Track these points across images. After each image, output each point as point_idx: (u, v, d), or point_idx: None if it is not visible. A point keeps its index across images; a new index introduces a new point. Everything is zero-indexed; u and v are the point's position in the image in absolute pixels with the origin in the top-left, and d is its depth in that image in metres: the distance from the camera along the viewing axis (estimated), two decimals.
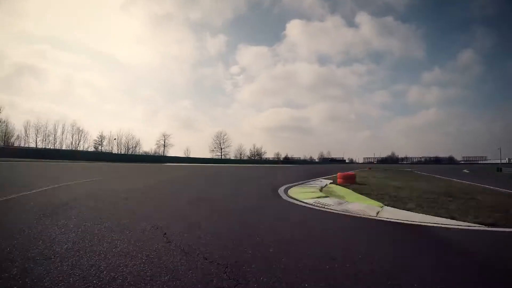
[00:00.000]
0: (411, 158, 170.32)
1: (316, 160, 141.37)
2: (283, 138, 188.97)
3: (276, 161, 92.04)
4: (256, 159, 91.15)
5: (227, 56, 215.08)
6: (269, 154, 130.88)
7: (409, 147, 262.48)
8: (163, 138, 76.47)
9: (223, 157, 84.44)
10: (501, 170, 40.19)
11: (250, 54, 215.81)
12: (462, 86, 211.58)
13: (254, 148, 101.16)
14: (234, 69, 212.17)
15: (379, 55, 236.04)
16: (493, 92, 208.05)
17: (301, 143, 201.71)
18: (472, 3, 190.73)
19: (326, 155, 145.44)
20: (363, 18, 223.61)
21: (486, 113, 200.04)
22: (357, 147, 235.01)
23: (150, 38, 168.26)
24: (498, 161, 74.37)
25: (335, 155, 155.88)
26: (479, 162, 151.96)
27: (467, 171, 36.52)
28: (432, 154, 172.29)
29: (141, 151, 75.16)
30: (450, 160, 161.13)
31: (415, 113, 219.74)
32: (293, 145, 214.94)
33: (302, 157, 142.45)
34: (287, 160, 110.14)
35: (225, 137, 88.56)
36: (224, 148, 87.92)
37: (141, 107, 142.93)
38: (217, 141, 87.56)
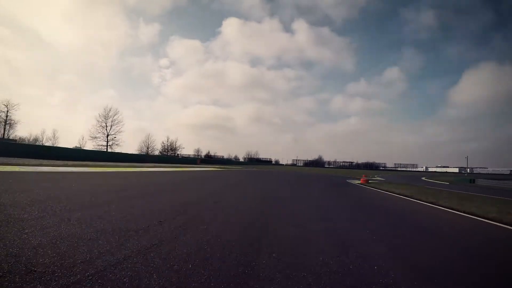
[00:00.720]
0: (337, 162, 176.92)
1: (242, 160, 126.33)
2: (207, 136, 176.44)
3: (193, 159, 69.91)
4: (170, 156, 66.63)
5: (158, 47, 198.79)
6: (189, 151, 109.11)
7: (332, 152, 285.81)
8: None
9: (110, 149, 48.19)
10: (474, 181, 31.22)
11: (182, 48, 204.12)
12: (384, 100, 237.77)
13: (167, 141, 75.34)
14: (164, 61, 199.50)
15: (311, 63, 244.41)
16: (411, 108, 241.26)
17: (225, 142, 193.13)
18: (406, 26, 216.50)
19: (253, 155, 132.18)
20: (300, 25, 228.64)
21: (403, 126, 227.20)
22: (282, 149, 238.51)
23: (79, 18, 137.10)
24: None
25: (260, 155, 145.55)
26: (411, 170, 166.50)
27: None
28: (349, 159, 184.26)
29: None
30: (382, 167, 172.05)
31: (337, 121, 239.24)
32: (216, 144, 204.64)
33: (226, 156, 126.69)
34: (209, 159, 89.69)
35: (115, 117, 49.53)
36: (113, 134, 49.09)
37: (60, 94, 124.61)
38: (103, 124, 48.54)
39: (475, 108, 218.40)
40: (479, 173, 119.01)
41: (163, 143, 74.91)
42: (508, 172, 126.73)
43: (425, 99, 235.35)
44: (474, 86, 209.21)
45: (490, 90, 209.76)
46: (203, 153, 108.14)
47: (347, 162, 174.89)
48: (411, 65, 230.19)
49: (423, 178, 43.26)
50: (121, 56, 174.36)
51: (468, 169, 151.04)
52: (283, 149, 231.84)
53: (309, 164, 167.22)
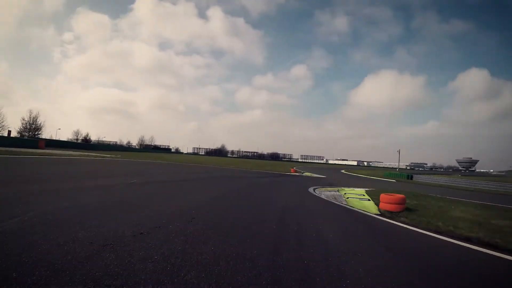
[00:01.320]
0: (241, 152, 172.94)
1: (136, 147, 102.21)
2: (106, 121, 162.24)
3: (31, 141, 45.42)
4: (27, 139, 40.42)
5: (63, 18, 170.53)
6: (67, 134, 78.68)
7: (236, 142, 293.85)
8: None
9: None
10: (411, 178, 26.84)
11: (88, 22, 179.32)
12: (290, 95, 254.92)
13: (29, 117, 51.34)
14: (68, 36, 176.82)
15: (221, 52, 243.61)
16: (315, 105, 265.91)
17: (126, 128, 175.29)
18: (320, 28, 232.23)
19: (148, 142, 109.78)
20: (216, 12, 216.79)
21: (306, 121, 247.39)
22: (183, 137, 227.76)
23: None
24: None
25: (160, 142, 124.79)
26: (317, 161, 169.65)
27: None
28: (254, 149, 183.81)
29: None
30: (287, 158, 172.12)
31: (242, 112, 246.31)
32: (117, 130, 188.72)
33: (118, 142, 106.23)
34: (88, 144, 64.65)
35: None
36: None
37: None
38: None
39: (371, 109, 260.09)
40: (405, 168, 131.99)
41: (23, 119, 50.88)
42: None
43: (328, 97, 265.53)
44: (373, 90, 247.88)
45: (387, 95, 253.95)
46: (83, 136, 79.56)
47: (251, 152, 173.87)
48: (319, 65, 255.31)
49: (343, 171, 42.06)
50: (20, 25, 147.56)
51: (366, 163, 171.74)
52: (185, 137, 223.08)
53: (211, 153, 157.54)
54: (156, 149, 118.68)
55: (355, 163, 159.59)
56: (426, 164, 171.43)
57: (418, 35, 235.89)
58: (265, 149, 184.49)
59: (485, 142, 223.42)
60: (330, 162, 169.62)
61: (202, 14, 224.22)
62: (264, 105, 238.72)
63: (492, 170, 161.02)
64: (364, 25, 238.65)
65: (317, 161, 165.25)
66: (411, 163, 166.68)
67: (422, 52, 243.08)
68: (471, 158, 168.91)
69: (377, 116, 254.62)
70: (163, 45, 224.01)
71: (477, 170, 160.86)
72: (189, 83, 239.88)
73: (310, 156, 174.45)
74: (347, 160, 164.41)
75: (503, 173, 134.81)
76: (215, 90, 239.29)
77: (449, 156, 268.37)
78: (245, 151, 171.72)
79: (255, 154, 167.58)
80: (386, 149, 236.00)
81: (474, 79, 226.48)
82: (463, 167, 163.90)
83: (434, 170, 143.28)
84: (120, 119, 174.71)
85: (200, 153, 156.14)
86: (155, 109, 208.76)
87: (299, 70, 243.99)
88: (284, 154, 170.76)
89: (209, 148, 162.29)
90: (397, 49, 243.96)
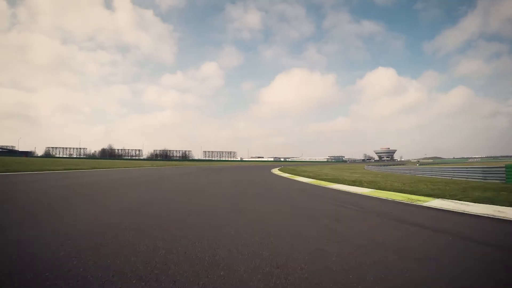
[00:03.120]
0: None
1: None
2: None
3: None
4: None
5: None
6: None
7: (146, 144, 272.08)
8: None
9: None
10: None
11: None
12: (200, 94, 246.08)
13: None
14: None
15: (128, 47, 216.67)
16: (226, 104, 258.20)
17: (25, 135, 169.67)
18: (231, 24, 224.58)
19: None
20: (123, 3, 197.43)
21: (217, 120, 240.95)
22: (91, 142, 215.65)
23: None
24: None
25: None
26: (230, 159, 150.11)
27: None
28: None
29: None
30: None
31: (151, 113, 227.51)
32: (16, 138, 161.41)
33: None
34: None
35: None
36: None
37: None
38: None
39: (283, 107, 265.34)
40: None
41: None
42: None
43: (240, 96, 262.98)
44: (284, 89, 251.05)
45: (298, 93, 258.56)
46: None
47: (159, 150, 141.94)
48: (230, 63, 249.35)
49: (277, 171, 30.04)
50: None
51: (282, 158, 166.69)
52: (92, 142, 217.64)
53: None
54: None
55: (271, 159, 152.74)
56: (344, 156, 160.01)
57: (329, 34, 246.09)
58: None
59: (394, 134, 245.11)
60: (245, 159, 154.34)
61: (108, 5, 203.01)
62: (173, 105, 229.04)
63: (413, 159, 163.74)
64: (277, 22, 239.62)
65: (230, 159, 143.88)
66: (329, 156, 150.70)
67: (332, 51, 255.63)
68: (388, 148, 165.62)
69: (289, 113, 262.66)
70: (66, 38, 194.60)
71: (398, 160, 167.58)
72: (93, 82, 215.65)
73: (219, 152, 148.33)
74: (263, 157, 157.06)
75: (429, 160, 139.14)
76: (122, 90, 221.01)
77: (359, 148, 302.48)
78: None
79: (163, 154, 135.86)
80: (299, 145, 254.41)
81: (381, 77, 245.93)
82: (381, 157, 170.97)
83: (367, 160, 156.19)
84: (18, 125, 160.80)
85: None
86: (57, 111, 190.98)
87: (209, 68, 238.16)
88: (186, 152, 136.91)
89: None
90: (308, 48, 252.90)
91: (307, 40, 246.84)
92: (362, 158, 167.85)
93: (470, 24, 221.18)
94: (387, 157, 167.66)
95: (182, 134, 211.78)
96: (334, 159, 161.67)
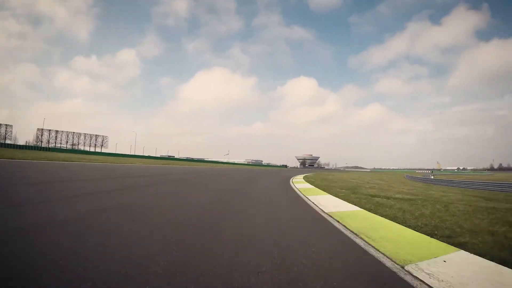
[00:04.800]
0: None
1: None
2: None
3: None
4: None
5: None
6: None
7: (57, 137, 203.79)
8: None
9: None
10: None
11: None
12: (114, 84, 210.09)
13: None
14: None
15: (37, 17, 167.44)
16: (142, 97, 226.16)
17: None
18: (157, 7, 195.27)
19: None
20: None
21: (131, 115, 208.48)
22: None
23: None
24: None
25: None
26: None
27: None
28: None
29: None
30: None
31: (61, 100, 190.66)
32: None
33: None
34: None
35: None
36: None
37: None
38: None
39: (202, 106, 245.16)
40: None
41: None
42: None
43: (158, 90, 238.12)
44: (204, 87, 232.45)
45: (218, 93, 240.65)
46: None
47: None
48: (150, 51, 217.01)
49: None
50: None
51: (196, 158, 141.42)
52: None
53: None
54: None
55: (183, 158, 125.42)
56: (262, 161, 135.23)
57: (257, 35, 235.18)
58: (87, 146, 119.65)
59: (313, 142, 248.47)
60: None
61: None
62: (85, 93, 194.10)
63: (341, 166, 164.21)
64: (205, 12, 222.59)
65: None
66: (247, 159, 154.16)
67: (258, 53, 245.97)
68: (311, 154, 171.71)
69: (208, 113, 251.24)
70: None
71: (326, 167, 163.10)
72: None
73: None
74: (174, 156, 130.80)
75: (367, 170, 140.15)
76: (30, 70, 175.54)
77: (279, 153, 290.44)
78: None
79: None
80: (216, 146, 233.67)
81: (302, 86, 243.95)
82: (304, 164, 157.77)
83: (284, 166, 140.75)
84: None
85: None
86: None
87: (127, 56, 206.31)
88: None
89: None
90: (233, 46, 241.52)
91: (233, 37, 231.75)
92: (283, 164, 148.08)
93: (397, 45, 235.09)
94: (310, 164, 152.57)
95: (96, 127, 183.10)
96: (253, 162, 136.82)
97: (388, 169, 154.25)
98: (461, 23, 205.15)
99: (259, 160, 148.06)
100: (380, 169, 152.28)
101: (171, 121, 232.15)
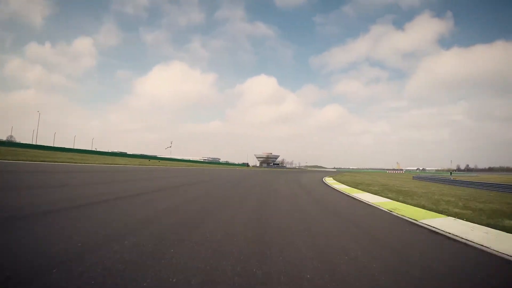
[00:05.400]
0: None
1: None
2: None
3: None
4: None
5: None
6: None
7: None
8: None
9: None
10: None
11: None
12: (69, 75, 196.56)
13: None
14: None
15: None
16: (97, 91, 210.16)
17: None
18: None
19: None
20: None
21: (83, 111, 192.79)
22: None
23: None
24: None
25: None
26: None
27: None
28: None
29: None
30: None
31: (11, 91, 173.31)
32: None
33: None
34: None
35: None
36: None
37: None
38: None
39: (159, 102, 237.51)
40: None
41: None
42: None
43: (114, 83, 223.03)
44: (161, 82, 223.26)
45: (175, 89, 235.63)
46: None
47: None
48: (107, 41, 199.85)
49: None
50: None
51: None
52: None
53: None
54: None
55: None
56: (219, 159, 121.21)
57: (219, 29, 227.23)
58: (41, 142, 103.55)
59: (272, 140, 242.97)
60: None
61: None
62: (38, 84, 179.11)
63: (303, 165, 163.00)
64: (166, 1, 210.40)
65: None
66: (203, 157, 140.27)
67: (218, 48, 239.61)
68: (271, 153, 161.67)
69: (165, 109, 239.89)
70: None
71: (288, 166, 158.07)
72: None
73: None
74: (126, 152, 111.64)
75: (334, 169, 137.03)
76: None
77: (237, 151, 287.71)
78: None
79: None
80: (173, 143, 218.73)
81: (262, 85, 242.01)
82: (264, 162, 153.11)
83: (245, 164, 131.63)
84: None
85: None
86: None
87: (83, 44, 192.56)
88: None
89: None
90: (194, 40, 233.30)
91: (194, 30, 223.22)
92: (244, 162, 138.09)
93: (359, 47, 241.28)
94: (269, 163, 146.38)
95: (49, 122, 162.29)
96: (209, 160, 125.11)
97: (350, 168, 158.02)
98: (424, 29, 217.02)
99: (216, 158, 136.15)
100: (341, 168, 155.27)
101: (128, 116, 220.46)
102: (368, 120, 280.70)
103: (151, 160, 56.58)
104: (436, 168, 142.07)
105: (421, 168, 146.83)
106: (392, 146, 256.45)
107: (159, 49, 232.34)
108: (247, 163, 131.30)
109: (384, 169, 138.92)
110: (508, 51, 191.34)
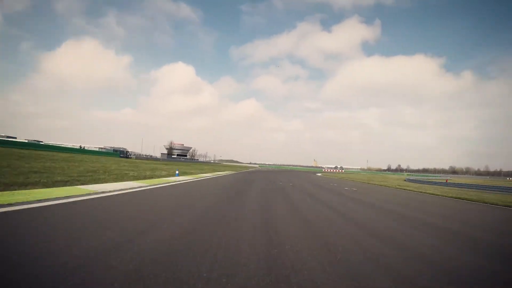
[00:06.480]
0: None
1: None
2: None
3: None
4: None
5: None
6: None
7: None
8: None
9: None
10: None
11: None
12: None
13: None
14: None
15: None
16: None
17: None
18: None
19: None
20: None
21: None
22: None
23: None
24: None
25: None
26: None
27: None
28: None
29: None
30: None
31: None
32: None
33: None
34: None
35: None
36: None
37: None
38: None
39: (67, 83, 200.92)
40: None
41: None
42: None
43: (14, 56, 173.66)
44: (71, 60, 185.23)
45: (85, 70, 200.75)
46: None
47: None
48: (11, 3, 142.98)
49: None
50: None
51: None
52: None
53: None
54: None
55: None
56: (126, 148, 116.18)
57: (137, 5, 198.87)
58: None
59: (185, 132, 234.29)
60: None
61: None
62: None
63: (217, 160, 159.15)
64: None
65: None
66: (105, 146, 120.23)
67: (135, 27, 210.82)
68: (183, 144, 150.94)
69: (72, 92, 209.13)
70: None
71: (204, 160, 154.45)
72: None
73: None
74: (42, 142, 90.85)
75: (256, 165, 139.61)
76: None
77: (147, 142, 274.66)
78: None
79: None
80: (80, 131, 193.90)
81: (179, 73, 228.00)
82: (176, 154, 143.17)
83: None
84: None
85: None
86: None
87: None
88: None
89: None
90: (108, 14, 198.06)
91: (109, 2, 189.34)
92: (150, 154, 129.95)
93: (283, 42, 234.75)
94: (180, 154, 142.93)
95: None
96: (108, 150, 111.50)
97: (267, 164, 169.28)
98: (351, 33, 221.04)
99: (122, 148, 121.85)
100: (260, 164, 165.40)
101: (31, 98, 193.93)
102: (284, 117, 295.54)
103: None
104: (356, 167, 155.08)
105: (339, 166, 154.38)
106: (306, 145, 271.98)
107: (70, 20, 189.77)
108: (125, 151, 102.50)
109: (301, 166, 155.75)
110: (424, 65, 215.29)
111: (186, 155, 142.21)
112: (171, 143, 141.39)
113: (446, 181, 40.43)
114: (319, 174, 56.87)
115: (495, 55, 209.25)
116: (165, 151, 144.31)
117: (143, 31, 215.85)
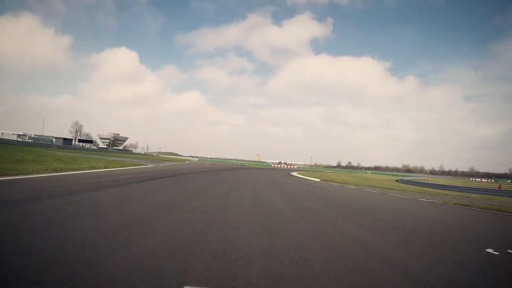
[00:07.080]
0: None
1: None
2: None
3: None
4: None
5: None
6: None
7: None
8: None
9: None
10: None
11: None
12: None
13: None
14: None
15: None
16: None
17: None
18: None
19: None
20: None
21: None
22: None
23: None
24: None
25: None
26: None
27: None
28: None
29: None
30: None
31: None
32: None
33: None
34: None
35: None
36: None
37: None
38: None
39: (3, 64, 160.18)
40: None
41: None
42: None
43: None
44: (6, 38, 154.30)
45: (22, 50, 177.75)
46: None
47: None
48: None
49: None
50: None
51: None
52: None
53: None
54: None
55: None
56: (51, 137, 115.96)
57: None
58: None
59: (123, 122, 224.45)
60: None
61: None
62: None
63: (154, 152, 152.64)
64: None
65: None
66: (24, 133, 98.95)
67: (76, 5, 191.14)
68: (118, 134, 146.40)
69: (8, 72, 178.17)
70: None
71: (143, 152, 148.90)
72: None
73: None
74: None
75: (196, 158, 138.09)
76: None
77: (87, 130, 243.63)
78: None
79: None
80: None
81: (121, 58, 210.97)
82: (107, 144, 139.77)
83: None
84: None
85: None
86: None
87: None
88: None
89: None
90: None
91: None
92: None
93: (231, 33, 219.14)
94: (115, 145, 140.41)
95: None
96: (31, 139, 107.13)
97: (209, 158, 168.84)
98: (301, 30, 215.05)
99: (44, 136, 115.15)
100: (199, 158, 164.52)
101: None
102: (227, 111, 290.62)
103: None
104: (300, 163, 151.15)
105: (282, 162, 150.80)
106: (249, 139, 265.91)
107: None
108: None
109: (244, 161, 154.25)
110: (369, 68, 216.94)
111: (117, 146, 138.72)
112: (113, 133, 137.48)
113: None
114: (296, 174, 42.72)
115: (437, 64, 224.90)
116: (99, 140, 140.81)
117: (85, 9, 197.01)
